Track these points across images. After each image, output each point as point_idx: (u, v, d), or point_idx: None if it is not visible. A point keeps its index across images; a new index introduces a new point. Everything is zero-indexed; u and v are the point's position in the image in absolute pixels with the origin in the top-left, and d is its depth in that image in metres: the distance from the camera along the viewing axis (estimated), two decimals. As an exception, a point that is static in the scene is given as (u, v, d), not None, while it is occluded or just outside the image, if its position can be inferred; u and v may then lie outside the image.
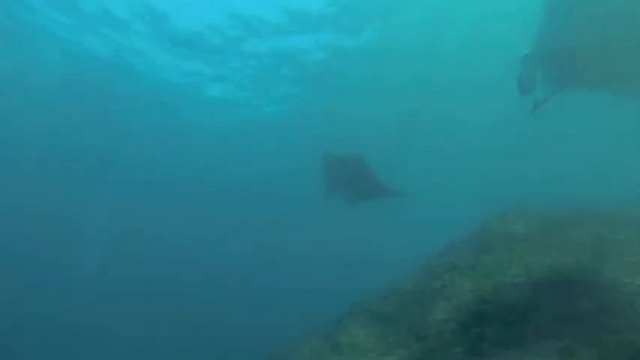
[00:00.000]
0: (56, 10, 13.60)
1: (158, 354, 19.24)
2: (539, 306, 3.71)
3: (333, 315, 6.96)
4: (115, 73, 17.12)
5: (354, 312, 6.45)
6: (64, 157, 23.54)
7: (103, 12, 13.60)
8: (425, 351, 3.97)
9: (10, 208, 26.05)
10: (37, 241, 28.73)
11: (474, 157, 23.39)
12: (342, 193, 10.05)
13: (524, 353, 3.07)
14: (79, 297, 24.62)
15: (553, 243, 5.23)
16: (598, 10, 4.06)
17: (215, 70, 16.94)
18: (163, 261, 30.58)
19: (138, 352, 19.44)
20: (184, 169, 25.87)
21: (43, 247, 29.02)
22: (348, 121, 19.87)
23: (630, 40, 4.03)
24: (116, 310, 24.61)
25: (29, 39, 14.73)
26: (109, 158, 24.07)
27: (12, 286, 24.70)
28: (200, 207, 29.44)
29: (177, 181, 27.18)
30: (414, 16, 14.05)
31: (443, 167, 24.81)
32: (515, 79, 4.87)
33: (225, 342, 19.25)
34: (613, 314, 3.36)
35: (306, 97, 18.81)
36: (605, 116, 15.44)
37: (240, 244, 32.35)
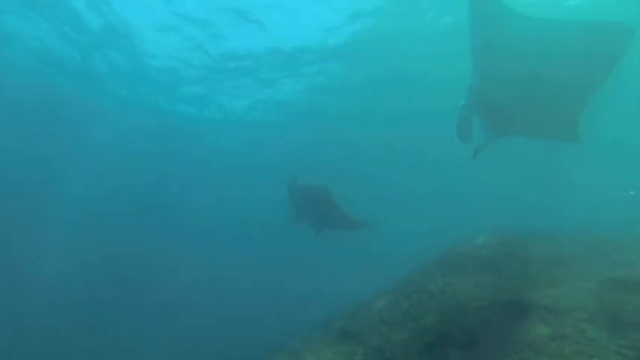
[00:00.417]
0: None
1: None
2: (500, 330, 3.82)
3: (301, 332, 6.91)
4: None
5: (322, 329, 6.43)
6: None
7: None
8: (390, 371, 3.99)
9: None
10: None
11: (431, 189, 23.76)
12: (308, 221, 9.98)
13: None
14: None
15: (515, 268, 5.42)
16: (502, 71, 4.71)
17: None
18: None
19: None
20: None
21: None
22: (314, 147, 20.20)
23: (530, 96, 4.69)
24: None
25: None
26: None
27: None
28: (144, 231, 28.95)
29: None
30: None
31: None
32: (455, 127, 5.16)
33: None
34: (565, 340, 3.50)
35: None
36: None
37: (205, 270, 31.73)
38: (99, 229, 28.25)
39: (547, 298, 4.23)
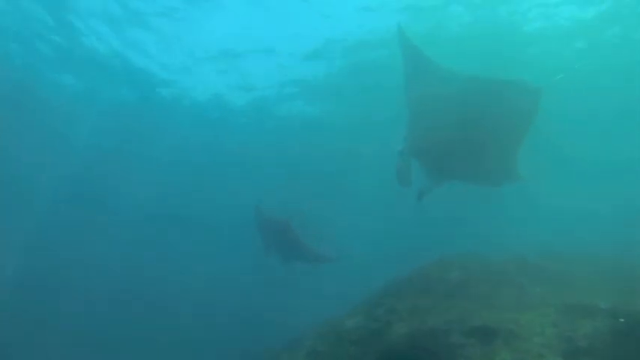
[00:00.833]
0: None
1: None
2: (466, 355, 3.96)
3: (270, 351, 6.87)
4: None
5: (290, 348, 6.43)
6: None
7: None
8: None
9: None
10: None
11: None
12: (275, 252, 9.91)
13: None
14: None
15: (484, 291, 5.62)
16: (430, 123, 5.14)
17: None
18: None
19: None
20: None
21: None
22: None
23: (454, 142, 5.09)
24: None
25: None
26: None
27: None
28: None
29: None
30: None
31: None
32: (395, 172, 5.42)
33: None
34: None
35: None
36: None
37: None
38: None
39: (511, 322, 4.41)
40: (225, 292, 27.36)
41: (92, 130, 19.31)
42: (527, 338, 4.20)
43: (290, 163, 20.74)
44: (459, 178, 5.62)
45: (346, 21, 12.01)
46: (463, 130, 4.87)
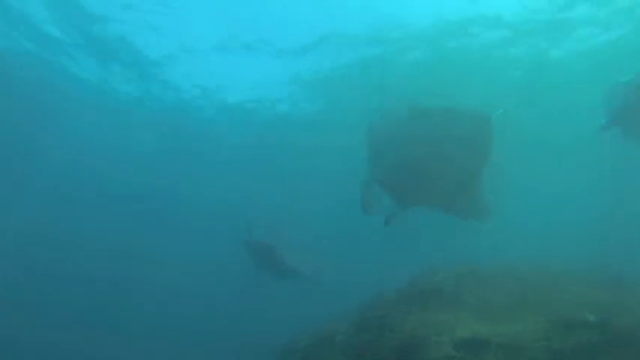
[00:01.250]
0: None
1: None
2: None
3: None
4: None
5: (282, 356, 6.43)
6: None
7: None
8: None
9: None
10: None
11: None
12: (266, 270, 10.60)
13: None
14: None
15: (475, 303, 5.67)
16: (389, 154, 5.38)
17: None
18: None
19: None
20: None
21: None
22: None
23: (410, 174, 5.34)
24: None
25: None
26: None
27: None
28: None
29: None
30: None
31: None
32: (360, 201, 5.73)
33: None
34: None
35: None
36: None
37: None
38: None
39: (502, 335, 4.46)
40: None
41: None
42: (517, 351, 4.25)
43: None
44: (425, 205, 5.82)
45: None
46: (418, 160, 5.10)
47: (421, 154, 5.02)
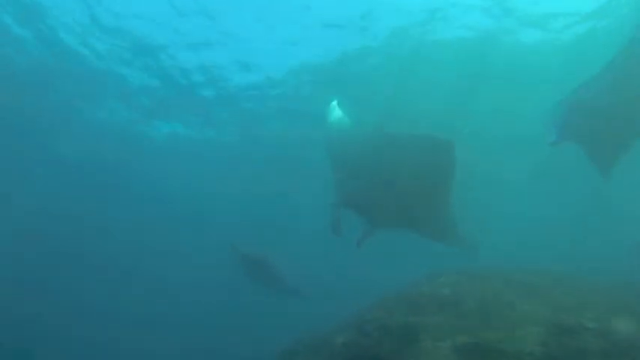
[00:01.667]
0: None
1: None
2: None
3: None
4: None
5: (282, 361, 6.40)
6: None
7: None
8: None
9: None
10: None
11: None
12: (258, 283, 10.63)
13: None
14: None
15: (476, 308, 5.66)
16: (354, 178, 5.56)
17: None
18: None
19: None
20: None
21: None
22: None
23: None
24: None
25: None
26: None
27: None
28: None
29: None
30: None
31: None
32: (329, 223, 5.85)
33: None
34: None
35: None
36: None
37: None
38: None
39: (501, 341, 4.47)
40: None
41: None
42: (516, 357, 4.26)
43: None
44: (394, 228, 5.91)
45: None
46: (381, 184, 5.21)
47: (383, 176, 5.15)
